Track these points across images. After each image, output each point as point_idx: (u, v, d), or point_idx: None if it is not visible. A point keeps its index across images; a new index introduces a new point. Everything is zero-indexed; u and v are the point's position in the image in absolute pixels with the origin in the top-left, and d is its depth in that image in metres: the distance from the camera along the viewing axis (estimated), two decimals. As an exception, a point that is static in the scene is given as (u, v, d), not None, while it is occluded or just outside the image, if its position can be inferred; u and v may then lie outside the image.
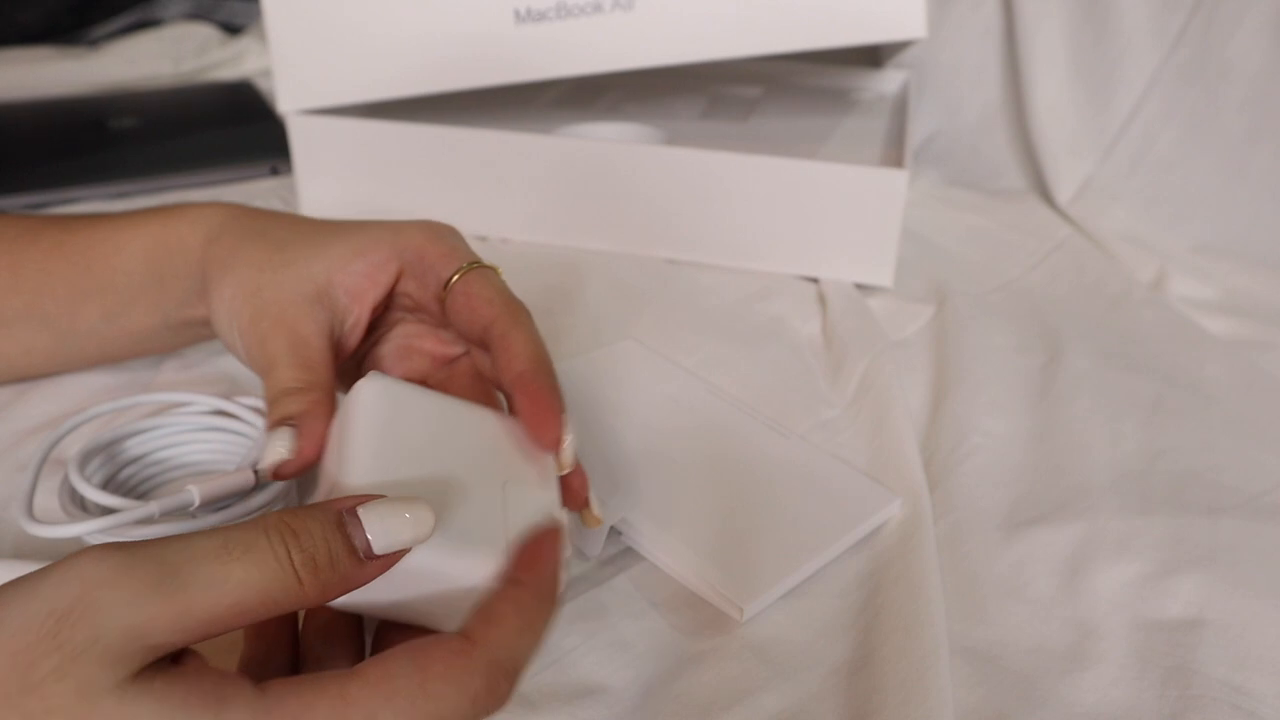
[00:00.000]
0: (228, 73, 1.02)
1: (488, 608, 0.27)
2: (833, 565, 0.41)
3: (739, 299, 0.61)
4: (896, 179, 0.60)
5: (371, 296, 0.40)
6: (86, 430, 0.44)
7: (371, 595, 0.27)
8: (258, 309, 0.38)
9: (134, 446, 0.43)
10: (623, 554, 0.41)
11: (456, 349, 0.42)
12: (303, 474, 0.34)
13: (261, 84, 0.95)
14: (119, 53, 1.02)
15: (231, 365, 0.52)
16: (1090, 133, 0.76)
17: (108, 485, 0.41)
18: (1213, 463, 0.48)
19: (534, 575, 0.29)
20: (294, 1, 0.65)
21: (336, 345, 0.39)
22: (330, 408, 0.35)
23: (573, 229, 0.67)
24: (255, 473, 0.39)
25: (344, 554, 0.26)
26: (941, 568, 0.41)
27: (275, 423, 0.34)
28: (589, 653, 0.37)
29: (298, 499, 0.43)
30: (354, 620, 0.32)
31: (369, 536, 0.26)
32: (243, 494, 0.39)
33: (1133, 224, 0.73)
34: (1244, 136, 0.71)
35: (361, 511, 0.26)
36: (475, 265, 0.39)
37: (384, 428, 0.31)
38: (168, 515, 0.37)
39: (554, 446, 0.35)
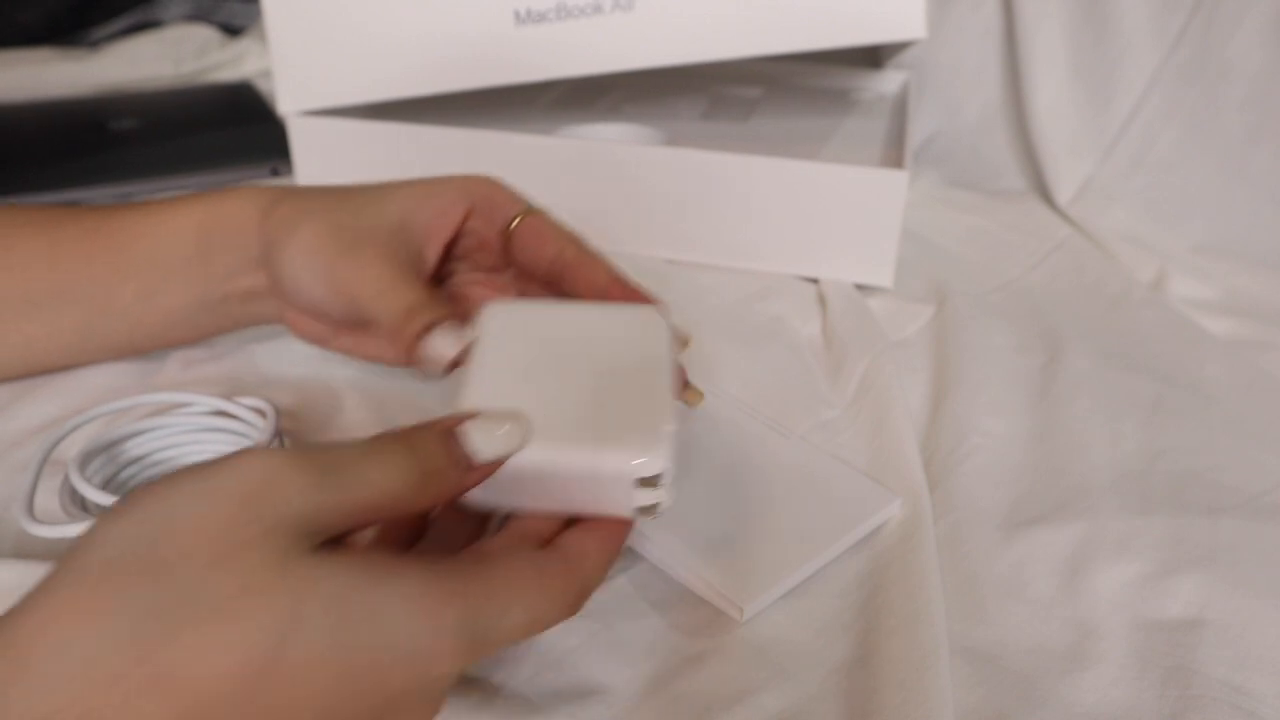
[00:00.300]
0: (228, 74, 1.02)
1: (580, 533, 0.32)
2: (833, 565, 0.41)
3: (739, 299, 0.61)
4: (896, 179, 0.60)
5: (444, 234, 0.43)
6: (87, 430, 0.44)
7: (521, 497, 0.32)
8: (344, 245, 0.40)
9: (135, 447, 0.43)
10: (623, 554, 0.41)
11: (509, 294, 0.46)
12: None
13: (262, 85, 0.95)
14: (119, 54, 1.02)
15: (232, 365, 0.52)
16: (1090, 133, 0.76)
17: (108, 485, 0.41)
18: (1213, 463, 0.48)
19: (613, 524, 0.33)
20: (294, 2, 0.65)
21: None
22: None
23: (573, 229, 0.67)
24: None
25: (449, 464, 0.30)
26: (941, 568, 0.41)
27: (423, 329, 0.38)
28: (589, 653, 0.37)
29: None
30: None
31: (470, 448, 0.30)
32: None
33: (1133, 224, 0.73)
34: (1244, 136, 0.71)
35: (462, 428, 0.30)
36: (534, 210, 0.44)
37: (501, 351, 0.35)
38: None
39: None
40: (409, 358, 0.39)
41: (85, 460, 0.40)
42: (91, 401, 0.48)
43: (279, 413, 0.44)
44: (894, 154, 0.68)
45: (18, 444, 0.46)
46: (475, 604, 0.27)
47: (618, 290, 0.40)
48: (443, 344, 0.37)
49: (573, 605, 0.30)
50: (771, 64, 0.85)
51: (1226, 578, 0.41)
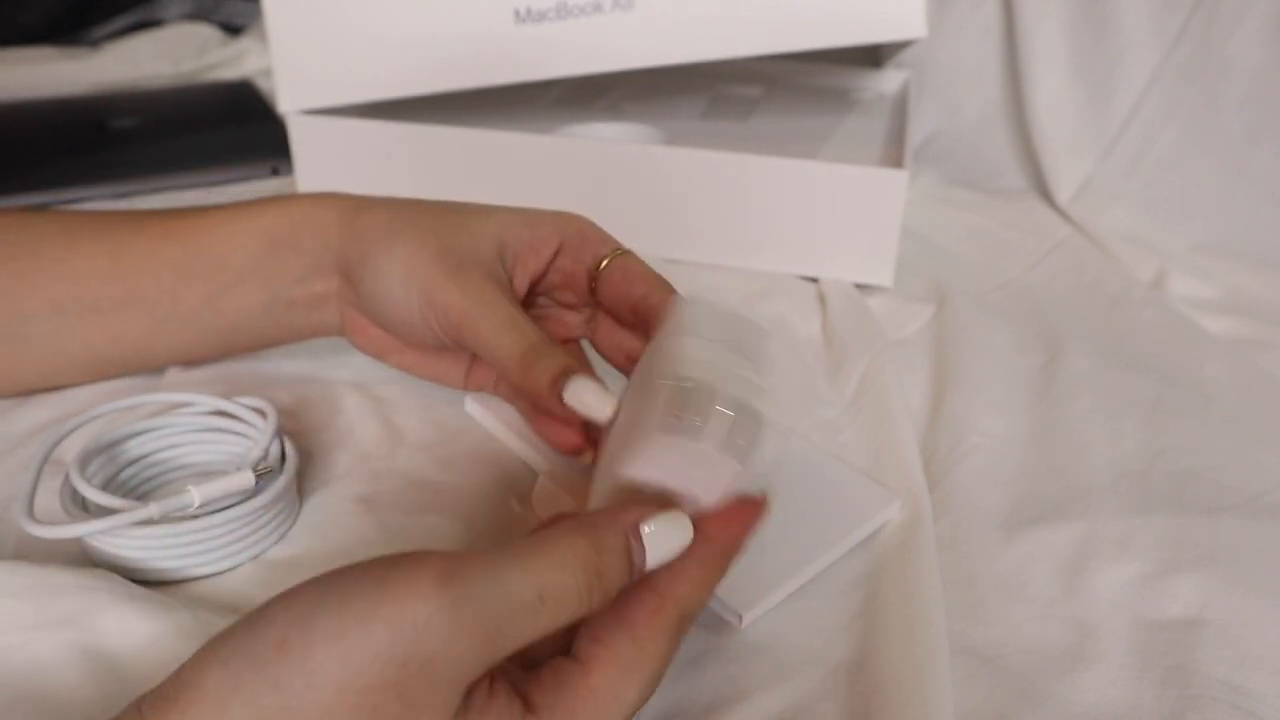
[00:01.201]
0: (228, 73, 1.02)
1: (677, 565, 0.30)
2: (833, 565, 0.41)
3: (739, 299, 0.61)
4: (896, 179, 0.60)
5: (534, 266, 0.43)
6: (87, 430, 0.44)
7: None
8: (450, 266, 0.40)
9: (135, 447, 0.43)
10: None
11: (575, 333, 0.46)
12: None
13: (262, 84, 0.95)
14: (119, 53, 1.02)
15: (232, 365, 0.52)
16: (1090, 132, 0.76)
17: (108, 486, 0.41)
18: (1213, 463, 0.48)
19: (724, 534, 0.31)
20: (294, 1, 0.65)
21: None
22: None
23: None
24: (255, 474, 0.39)
25: (622, 570, 0.28)
26: (941, 567, 0.41)
27: (558, 375, 0.37)
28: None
29: (298, 499, 0.43)
30: None
31: (647, 557, 0.29)
32: (243, 495, 0.39)
33: (1133, 223, 0.73)
34: (1244, 135, 0.71)
35: (645, 535, 0.29)
36: (626, 251, 0.43)
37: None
38: (167, 517, 0.38)
39: None
40: (527, 397, 0.38)
41: (85, 460, 0.40)
42: (91, 402, 0.48)
43: (279, 413, 0.44)
44: (894, 153, 0.68)
45: (18, 444, 0.46)
46: (592, 706, 0.27)
47: None
48: (594, 400, 0.36)
49: (675, 643, 0.30)
50: (771, 64, 0.85)
51: (1226, 578, 0.41)
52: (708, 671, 0.36)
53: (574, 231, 0.43)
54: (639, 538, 0.29)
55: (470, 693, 0.26)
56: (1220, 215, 0.72)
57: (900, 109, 0.77)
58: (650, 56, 0.65)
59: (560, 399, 0.37)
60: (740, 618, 0.38)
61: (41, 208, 0.69)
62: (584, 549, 0.28)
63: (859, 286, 0.62)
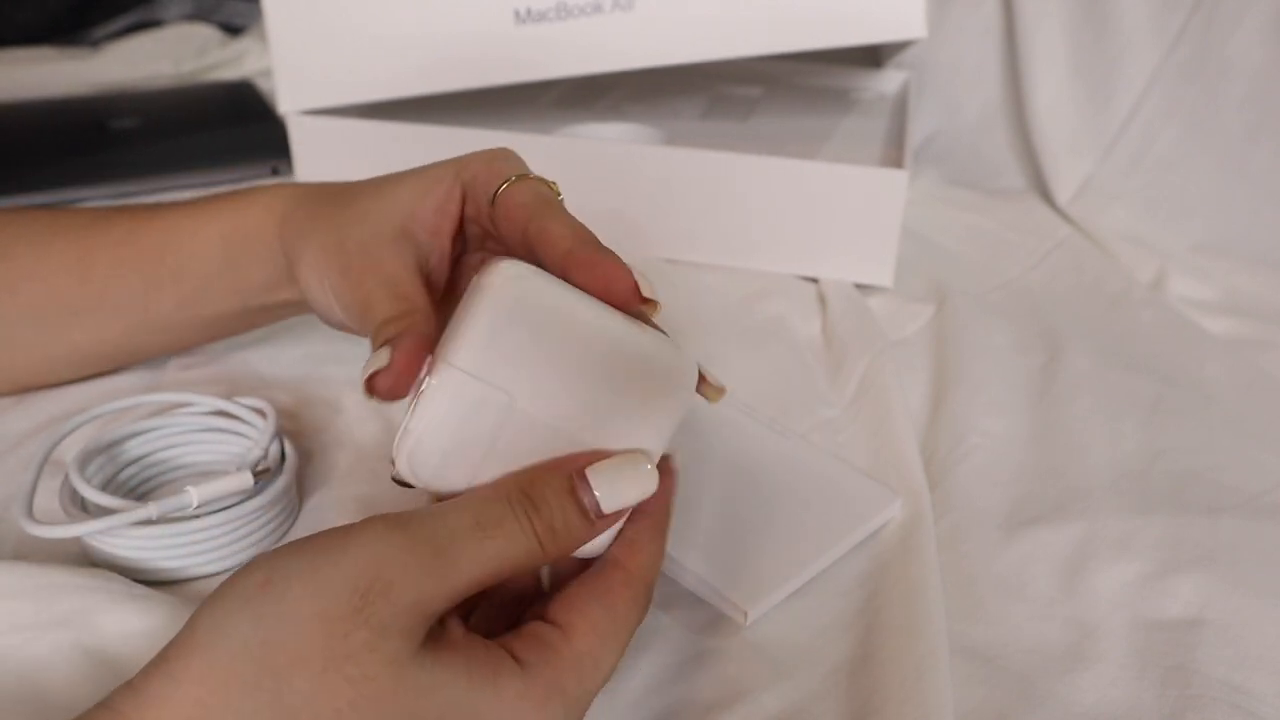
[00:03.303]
0: (228, 73, 1.02)
1: (629, 537, 0.31)
2: (833, 565, 0.41)
3: (739, 299, 0.61)
4: (896, 179, 0.60)
5: (447, 228, 0.40)
6: (87, 430, 0.44)
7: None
8: (344, 261, 0.38)
9: (134, 447, 0.43)
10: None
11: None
12: (397, 391, 0.31)
13: (262, 84, 0.95)
14: (120, 53, 1.02)
15: (232, 365, 0.52)
16: (1090, 132, 0.76)
17: (108, 486, 0.41)
18: (1213, 463, 0.48)
19: (657, 505, 0.31)
20: (294, 2, 0.65)
21: (426, 282, 0.38)
22: (429, 330, 0.33)
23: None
24: (254, 474, 0.39)
25: (576, 518, 0.29)
26: (941, 567, 0.41)
27: (377, 348, 0.33)
28: (589, 653, 0.37)
29: (298, 499, 0.43)
30: None
31: (598, 497, 0.29)
32: (242, 495, 0.39)
33: (1133, 223, 0.73)
34: (1244, 135, 0.71)
35: (590, 474, 0.29)
36: (522, 178, 0.37)
37: (506, 311, 0.30)
38: (166, 517, 0.38)
39: (634, 297, 0.32)
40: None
41: (85, 460, 0.40)
42: (91, 401, 0.48)
43: (279, 413, 0.44)
44: (894, 153, 0.68)
45: (18, 444, 0.46)
46: (572, 692, 0.28)
47: (577, 260, 0.33)
48: (371, 361, 0.31)
49: (643, 612, 0.30)
50: (771, 64, 0.85)
51: (1226, 578, 0.41)
52: (708, 671, 0.36)
53: (471, 175, 0.39)
54: (583, 479, 0.29)
55: (445, 626, 0.28)
56: (1220, 215, 0.72)
57: (900, 109, 0.77)
58: (650, 56, 0.65)
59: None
60: (745, 615, 0.38)
61: (41, 208, 0.69)
62: (511, 482, 0.29)
63: (859, 286, 0.62)
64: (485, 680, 0.27)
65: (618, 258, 0.33)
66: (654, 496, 0.31)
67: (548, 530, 0.28)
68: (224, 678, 0.25)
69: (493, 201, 0.37)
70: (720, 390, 0.35)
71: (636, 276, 0.33)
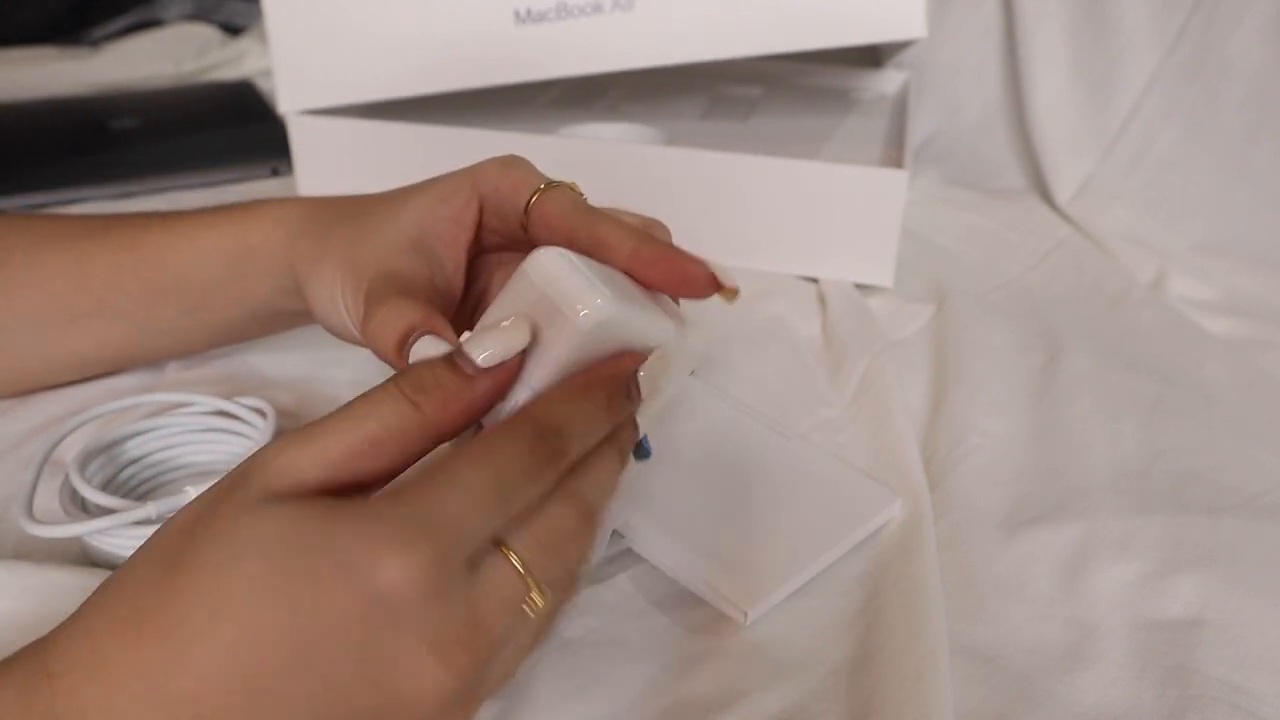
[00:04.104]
0: (228, 73, 1.02)
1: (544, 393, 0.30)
2: (833, 565, 0.41)
3: (739, 299, 0.61)
4: (896, 179, 0.60)
5: (463, 240, 0.40)
6: (87, 430, 0.44)
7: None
8: (358, 278, 0.38)
9: (135, 447, 0.43)
10: (624, 553, 0.41)
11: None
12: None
13: (262, 84, 0.95)
14: (120, 53, 1.02)
15: (232, 365, 0.52)
16: (1090, 132, 0.76)
17: (108, 486, 0.41)
18: (1213, 463, 0.48)
19: (596, 372, 0.31)
20: (294, 2, 0.65)
21: (443, 294, 0.38)
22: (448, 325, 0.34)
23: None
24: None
25: (446, 372, 0.29)
26: (941, 567, 0.41)
27: (405, 333, 0.34)
28: (590, 650, 0.37)
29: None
30: None
31: (469, 353, 0.29)
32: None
33: (1133, 223, 0.73)
34: (1244, 135, 0.71)
35: (463, 340, 0.29)
36: (550, 185, 0.38)
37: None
38: (165, 517, 0.37)
39: (713, 285, 0.34)
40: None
41: (85, 460, 0.40)
42: (91, 402, 0.48)
43: (279, 413, 0.44)
44: (894, 153, 0.68)
45: (18, 444, 0.46)
46: (413, 495, 0.26)
47: (645, 258, 0.34)
48: (423, 348, 0.33)
49: (526, 447, 0.28)
50: (771, 64, 0.85)
51: (1226, 578, 0.41)
52: (708, 671, 0.36)
53: (488, 188, 0.39)
54: (458, 345, 0.29)
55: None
56: (1220, 215, 0.72)
57: (900, 109, 0.77)
58: (650, 56, 0.65)
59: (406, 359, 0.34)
60: (745, 614, 0.38)
61: (41, 208, 0.69)
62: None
63: (859, 286, 0.62)
64: (320, 519, 0.26)
65: (682, 250, 0.34)
66: (600, 365, 0.31)
67: (416, 385, 0.28)
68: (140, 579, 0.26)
69: (525, 212, 0.38)
70: (734, 291, 0.36)
71: (711, 266, 0.34)
